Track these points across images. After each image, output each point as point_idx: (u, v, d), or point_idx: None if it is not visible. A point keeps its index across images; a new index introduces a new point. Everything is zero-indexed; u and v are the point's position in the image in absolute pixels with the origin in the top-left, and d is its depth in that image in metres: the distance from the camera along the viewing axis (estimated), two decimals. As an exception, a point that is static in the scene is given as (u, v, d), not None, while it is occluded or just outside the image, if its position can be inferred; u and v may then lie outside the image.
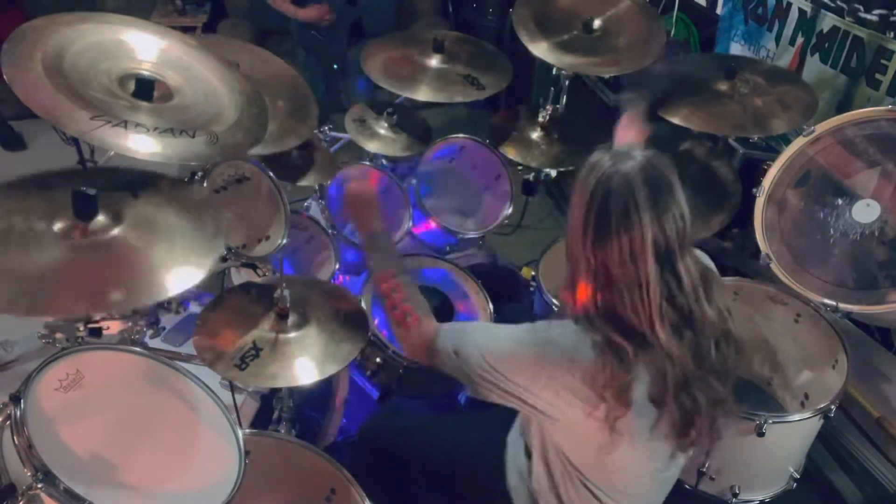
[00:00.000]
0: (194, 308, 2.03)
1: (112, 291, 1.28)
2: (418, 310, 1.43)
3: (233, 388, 1.78)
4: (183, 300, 1.81)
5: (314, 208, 2.45)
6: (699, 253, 1.37)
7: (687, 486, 1.88)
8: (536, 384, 1.25)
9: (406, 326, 1.41)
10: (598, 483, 1.36)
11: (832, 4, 2.45)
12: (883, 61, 2.28)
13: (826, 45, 2.50)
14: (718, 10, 3.14)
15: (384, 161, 2.54)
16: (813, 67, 2.57)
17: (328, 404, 2.11)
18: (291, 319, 1.62)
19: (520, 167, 2.46)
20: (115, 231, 1.38)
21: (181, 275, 1.36)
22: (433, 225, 2.42)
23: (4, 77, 1.36)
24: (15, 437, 1.26)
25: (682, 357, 1.20)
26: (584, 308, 1.25)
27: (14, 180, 1.45)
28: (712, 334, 1.24)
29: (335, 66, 3.65)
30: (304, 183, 2.22)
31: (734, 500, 1.89)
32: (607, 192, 1.17)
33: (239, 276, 2.17)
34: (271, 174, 2.04)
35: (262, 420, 1.92)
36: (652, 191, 1.16)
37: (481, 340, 1.33)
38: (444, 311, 2.18)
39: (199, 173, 1.82)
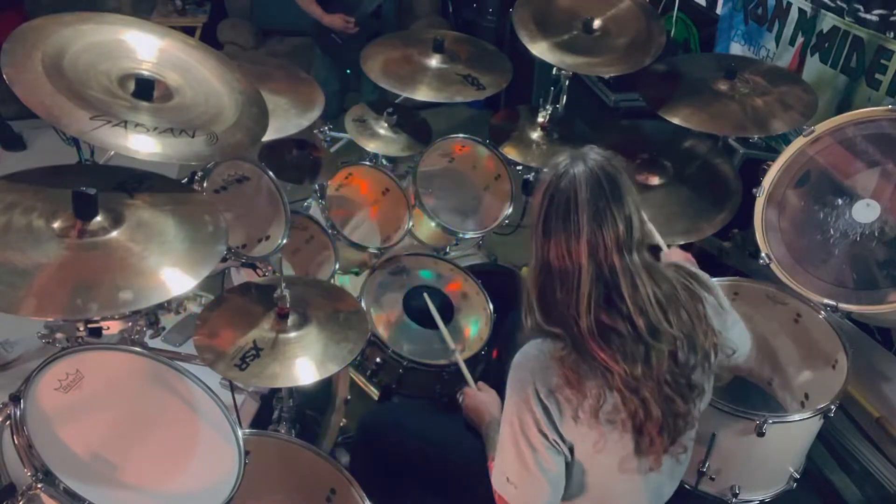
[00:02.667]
0: (194, 308, 2.04)
1: (114, 293, 1.29)
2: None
3: (233, 388, 1.78)
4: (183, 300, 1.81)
5: (314, 208, 2.45)
6: (691, 267, 1.42)
7: (687, 486, 1.88)
8: (538, 414, 1.27)
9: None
10: (577, 492, 1.39)
11: (832, 4, 2.45)
12: (883, 61, 2.28)
13: (826, 45, 2.51)
14: (718, 10, 3.14)
15: (384, 161, 2.54)
16: (813, 67, 2.57)
17: (328, 404, 2.11)
18: (291, 319, 1.62)
19: (520, 167, 2.45)
20: (115, 232, 1.38)
21: (181, 276, 1.36)
22: (433, 225, 2.42)
23: (4, 77, 1.36)
24: (15, 437, 1.26)
25: (615, 357, 1.22)
26: (534, 312, 1.32)
27: (13, 173, 1.45)
28: (668, 345, 1.25)
29: (348, 71, 3.75)
30: (303, 183, 2.22)
31: (734, 500, 1.89)
32: (555, 190, 1.24)
33: (239, 276, 2.17)
34: (271, 174, 2.04)
35: (262, 420, 1.92)
36: (593, 193, 1.21)
37: (500, 435, 1.37)
38: (444, 311, 2.18)
39: (199, 173, 1.82)
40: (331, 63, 3.76)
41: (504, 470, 1.35)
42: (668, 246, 1.88)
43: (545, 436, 1.28)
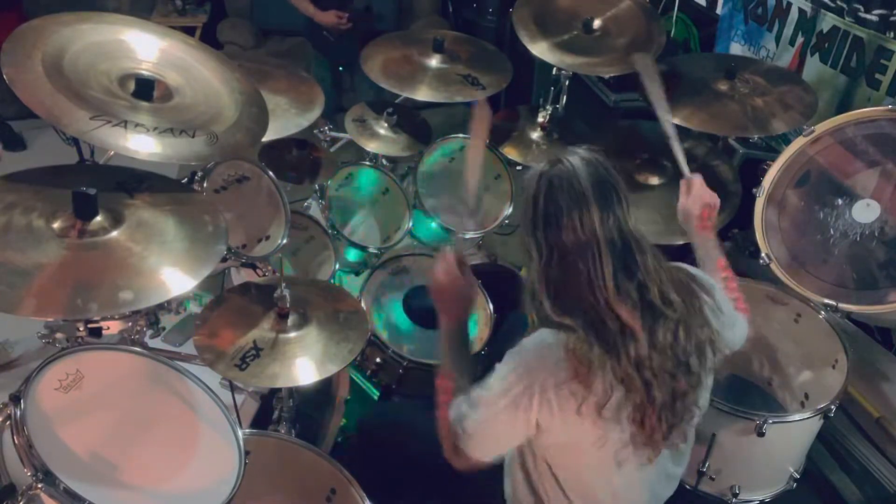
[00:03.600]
0: (194, 308, 2.04)
1: (114, 293, 1.29)
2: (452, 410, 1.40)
3: (233, 388, 1.78)
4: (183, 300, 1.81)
5: (314, 208, 2.45)
6: (692, 269, 1.42)
7: (687, 486, 1.88)
8: (535, 404, 1.26)
9: (440, 422, 1.42)
10: (574, 486, 1.38)
11: (832, 4, 2.45)
12: (883, 61, 2.28)
13: (826, 45, 2.50)
14: (718, 10, 3.14)
15: (384, 161, 2.54)
16: (813, 67, 2.57)
17: (328, 404, 2.11)
18: (291, 319, 1.62)
19: (520, 167, 2.45)
20: (115, 232, 1.38)
21: (181, 276, 1.36)
22: (433, 225, 2.42)
23: (4, 77, 1.36)
24: (15, 437, 1.26)
25: (637, 334, 1.23)
26: (542, 306, 1.30)
27: (13, 173, 1.45)
28: (673, 315, 1.26)
29: (340, 68, 3.74)
30: (303, 183, 2.22)
31: (734, 500, 1.89)
32: (550, 180, 1.25)
33: (239, 276, 2.17)
34: (271, 174, 2.04)
35: (262, 420, 1.92)
36: (591, 172, 1.23)
37: (476, 394, 1.35)
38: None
39: (199, 173, 1.82)
40: (324, 61, 3.75)
41: (468, 417, 1.33)
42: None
43: (528, 421, 1.28)
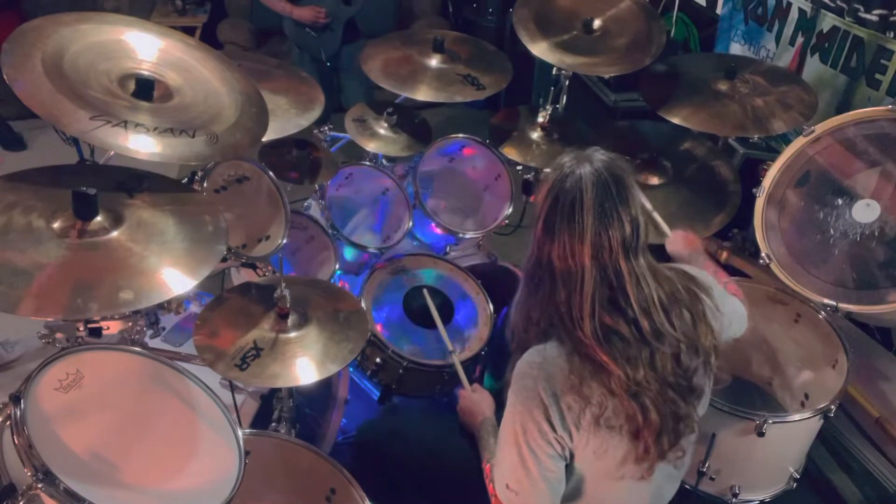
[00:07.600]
0: (194, 308, 2.04)
1: (114, 293, 1.29)
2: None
3: (233, 388, 1.78)
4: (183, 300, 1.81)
5: (314, 208, 2.45)
6: (691, 270, 1.41)
7: (687, 486, 1.88)
8: (546, 424, 1.26)
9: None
10: (575, 494, 1.38)
11: (832, 4, 2.45)
12: (883, 61, 2.28)
13: (826, 45, 2.51)
14: (718, 10, 3.14)
15: (384, 161, 2.54)
16: (813, 67, 2.57)
17: (328, 404, 2.11)
18: (291, 319, 1.62)
19: (520, 167, 2.46)
20: (115, 232, 1.38)
21: (181, 276, 1.36)
22: (433, 225, 2.42)
23: (4, 77, 1.36)
24: (15, 437, 1.26)
25: (617, 360, 1.22)
26: (531, 318, 1.32)
27: (13, 173, 1.45)
28: (671, 347, 1.25)
29: (328, 63, 3.67)
30: (303, 183, 2.22)
31: (734, 500, 1.89)
32: (560, 190, 1.23)
33: (239, 276, 2.17)
34: (271, 174, 2.04)
35: (262, 420, 1.92)
36: (599, 194, 1.21)
37: (498, 440, 1.37)
38: (444, 311, 2.18)
39: (199, 173, 1.82)
40: (310, 59, 3.68)
41: (504, 477, 1.34)
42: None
43: (549, 443, 1.27)
